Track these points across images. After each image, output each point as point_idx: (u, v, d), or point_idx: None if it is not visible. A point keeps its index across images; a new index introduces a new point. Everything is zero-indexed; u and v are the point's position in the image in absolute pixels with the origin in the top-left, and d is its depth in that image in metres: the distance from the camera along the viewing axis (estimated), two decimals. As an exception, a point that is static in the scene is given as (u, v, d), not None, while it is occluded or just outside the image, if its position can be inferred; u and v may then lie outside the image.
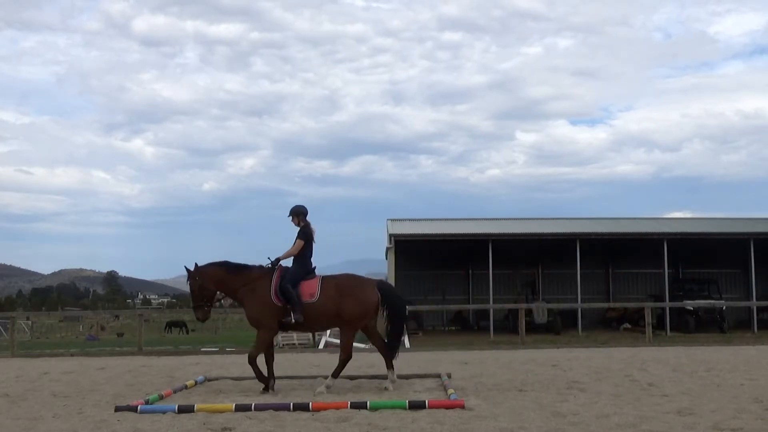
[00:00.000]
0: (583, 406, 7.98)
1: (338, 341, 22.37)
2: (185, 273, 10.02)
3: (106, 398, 9.26)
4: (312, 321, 9.86)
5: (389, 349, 10.09)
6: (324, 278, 10.02)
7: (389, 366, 10.00)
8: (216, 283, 9.97)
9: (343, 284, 9.94)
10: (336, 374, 9.82)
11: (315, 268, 10.21)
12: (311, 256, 10.20)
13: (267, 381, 9.78)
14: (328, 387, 9.63)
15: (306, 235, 10.06)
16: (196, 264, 10.04)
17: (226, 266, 10.02)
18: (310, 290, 9.77)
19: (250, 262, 10.19)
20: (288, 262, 10.08)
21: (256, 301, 9.80)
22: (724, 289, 31.16)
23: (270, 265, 9.96)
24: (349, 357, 9.92)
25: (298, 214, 10.19)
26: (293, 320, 9.62)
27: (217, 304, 10.37)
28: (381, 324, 10.17)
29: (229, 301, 10.83)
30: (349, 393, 9.48)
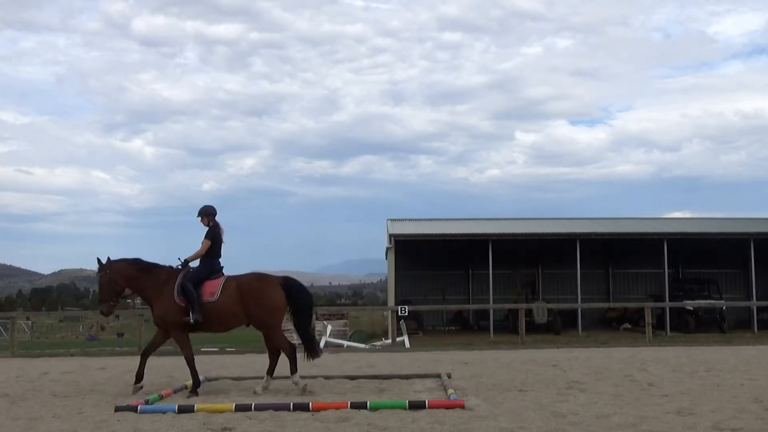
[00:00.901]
0: (583, 406, 7.99)
1: (338, 341, 22.51)
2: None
3: (106, 398, 9.26)
4: (214, 320, 9.74)
5: (307, 349, 9.90)
6: (228, 278, 9.94)
7: (293, 371, 9.71)
8: (125, 280, 9.91)
9: (246, 283, 9.82)
10: (294, 369, 9.68)
11: (222, 268, 10.14)
12: (219, 256, 10.15)
13: (140, 378, 9.84)
14: (296, 384, 9.59)
15: (213, 235, 10.02)
16: (108, 257, 9.97)
17: (137, 264, 9.97)
18: (212, 289, 9.69)
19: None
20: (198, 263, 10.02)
21: (162, 301, 9.75)
22: (724, 289, 31.17)
23: (180, 266, 9.92)
24: (293, 348, 9.74)
25: (207, 214, 10.15)
26: (191, 320, 9.54)
27: (128, 301, 10.30)
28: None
29: (138, 298, 10.79)
30: (349, 393, 9.48)
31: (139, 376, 9.96)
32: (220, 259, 10.19)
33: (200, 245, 10.03)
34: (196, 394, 9.53)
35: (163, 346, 10.80)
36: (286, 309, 9.89)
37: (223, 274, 10.06)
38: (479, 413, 7.62)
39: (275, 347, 9.99)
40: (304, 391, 9.43)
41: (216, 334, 11.70)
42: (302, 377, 11.08)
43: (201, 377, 10.92)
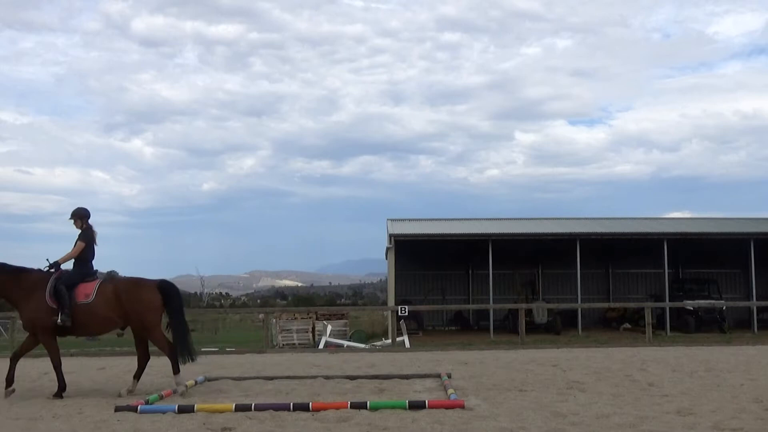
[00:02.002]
0: (583, 406, 7.99)
1: (338, 341, 22.50)
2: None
3: (106, 398, 9.26)
4: (88, 323, 9.69)
5: (178, 353, 9.85)
6: (103, 281, 9.92)
7: (176, 371, 9.74)
8: None
9: (122, 286, 9.80)
10: (176, 370, 9.65)
11: (96, 271, 10.10)
12: (93, 258, 10.11)
13: (10, 382, 9.73)
14: (177, 384, 9.53)
15: (87, 238, 9.98)
16: None
17: (2, 268, 9.85)
18: (86, 291, 9.65)
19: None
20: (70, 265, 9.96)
21: (32, 304, 9.64)
22: (724, 289, 31.16)
23: (48, 268, 9.84)
24: (173, 349, 9.73)
25: (81, 216, 10.11)
26: (59, 321, 9.48)
27: None
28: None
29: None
30: (349, 393, 9.48)
31: (10, 380, 9.77)
32: (93, 262, 10.12)
33: (72, 247, 9.95)
34: (61, 397, 9.46)
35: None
36: (163, 310, 9.90)
37: (97, 277, 10.01)
38: (479, 413, 7.63)
39: (146, 352, 10.04)
40: (183, 395, 9.39)
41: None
42: (302, 377, 11.11)
43: (201, 377, 10.95)
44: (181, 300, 10.30)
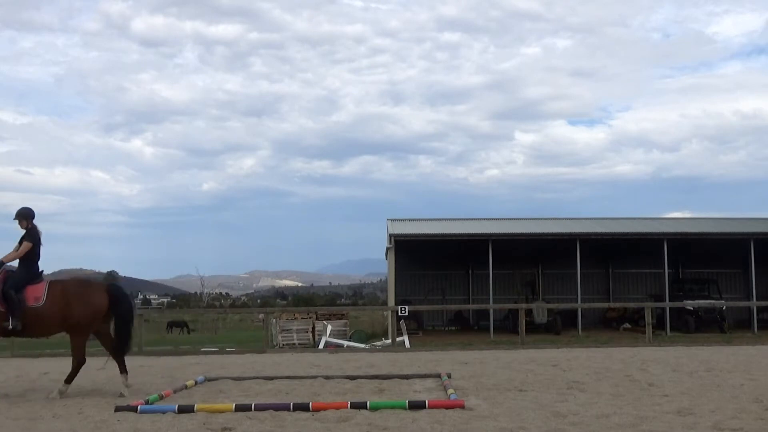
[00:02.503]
0: (583, 406, 7.99)
1: (338, 341, 22.49)
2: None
3: (106, 398, 9.25)
4: (38, 326, 9.61)
5: (118, 354, 9.87)
6: (51, 282, 9.79)
7: (122, 371, 9.75)
8: None
9: (71, 288, 9.69)
10: (69, 380, 9.60)
11: (42, 272, 9.97)
12: (38, 259, 9.98)
13: None
14: (61, 392, 9.45)
15: (33, 238, 9.84)
16: None
17: None
18: (36, 294, 9.51)
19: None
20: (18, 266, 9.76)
21: None
22: (724, 289, 31.15)
23: None
24: (82, 362, 9.69)
25: (26, 217, 9.96)
26: (11, 326, 9.36)
27: None
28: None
29: None
30: (349, 393, 9.48)
31: None
32: (39, 263, 9.96)
33: (16, 248, 9.78)
34: None
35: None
36: (108, 315, 9.86)
37: (43, 279, 9.89)
38: (479, 413, 7.62)
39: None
40: (51, 398, 9.29)
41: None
42: (302, 377, 11.11)
43: (201, 377, 10.95)
44: (131, 305, 10.20)
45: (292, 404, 8.07)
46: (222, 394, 9.61)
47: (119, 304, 9.88)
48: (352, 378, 10.92)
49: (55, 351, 19.22)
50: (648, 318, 19.78)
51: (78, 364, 9.67)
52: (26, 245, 9.75)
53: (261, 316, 35.18)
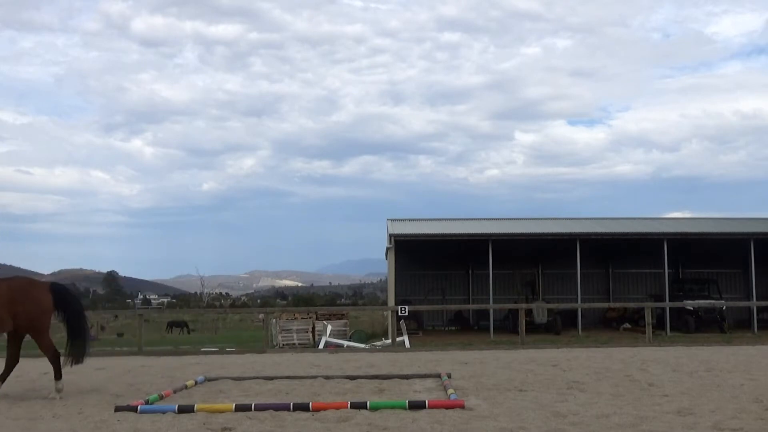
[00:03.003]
0: (583, 406, 7.99)
1: (338, 341, 22.49)
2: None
3: (106, 398, 9.26)
4: None
5: (73, 354, 9.78)
6: None
7: (57, 377, 9.57)
8: None
9: (15, 287, 9.62)
10: (57, 376, 9.55)
11: None
12: None
13: None
14: (58, 390, 9.44)
15: None
16: None
17: None
18: None
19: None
20: None
21: None
22: (724, 289, 31.16)
23: None
24: (57, 354, 9.62)
25: None
26: None
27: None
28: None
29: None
30: (348, 393, 9.48)
31: None
32: None
33: None
34: None
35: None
36: (53, 313, 9.80)
37: None
38: (479, 413, 7.63)
39: (17, 355, 9.87)
40: (51, 398, 9.28)
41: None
42: (302, 377, 11.11)
43: (201, 377, 10.95)
44: (78, 303, 10.09)
45: (292, 404, 8.08)
46: (222, 394, 9.61)
47: (66, 302, 9.81)
48: (352, 378, 10.92)
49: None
50: (648, 318, 19.78)
51: (54, 359, 9.59)
52: None
53: (261, 316, 35.22)
